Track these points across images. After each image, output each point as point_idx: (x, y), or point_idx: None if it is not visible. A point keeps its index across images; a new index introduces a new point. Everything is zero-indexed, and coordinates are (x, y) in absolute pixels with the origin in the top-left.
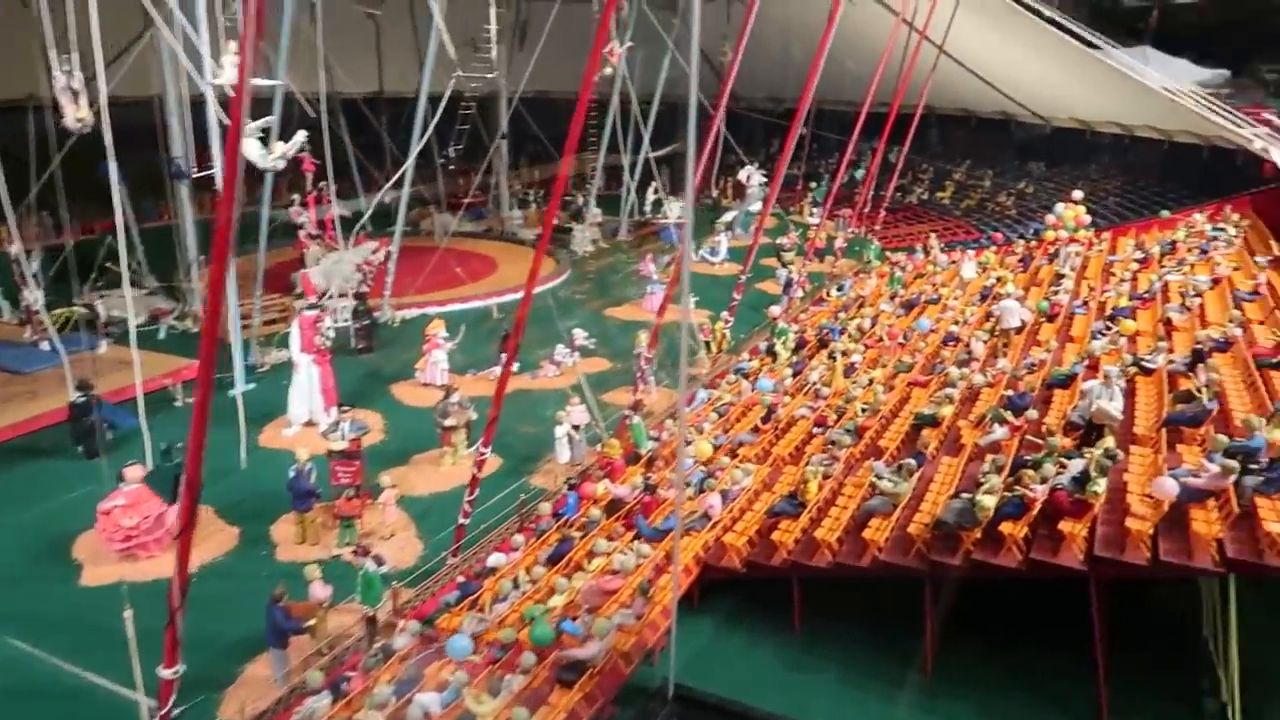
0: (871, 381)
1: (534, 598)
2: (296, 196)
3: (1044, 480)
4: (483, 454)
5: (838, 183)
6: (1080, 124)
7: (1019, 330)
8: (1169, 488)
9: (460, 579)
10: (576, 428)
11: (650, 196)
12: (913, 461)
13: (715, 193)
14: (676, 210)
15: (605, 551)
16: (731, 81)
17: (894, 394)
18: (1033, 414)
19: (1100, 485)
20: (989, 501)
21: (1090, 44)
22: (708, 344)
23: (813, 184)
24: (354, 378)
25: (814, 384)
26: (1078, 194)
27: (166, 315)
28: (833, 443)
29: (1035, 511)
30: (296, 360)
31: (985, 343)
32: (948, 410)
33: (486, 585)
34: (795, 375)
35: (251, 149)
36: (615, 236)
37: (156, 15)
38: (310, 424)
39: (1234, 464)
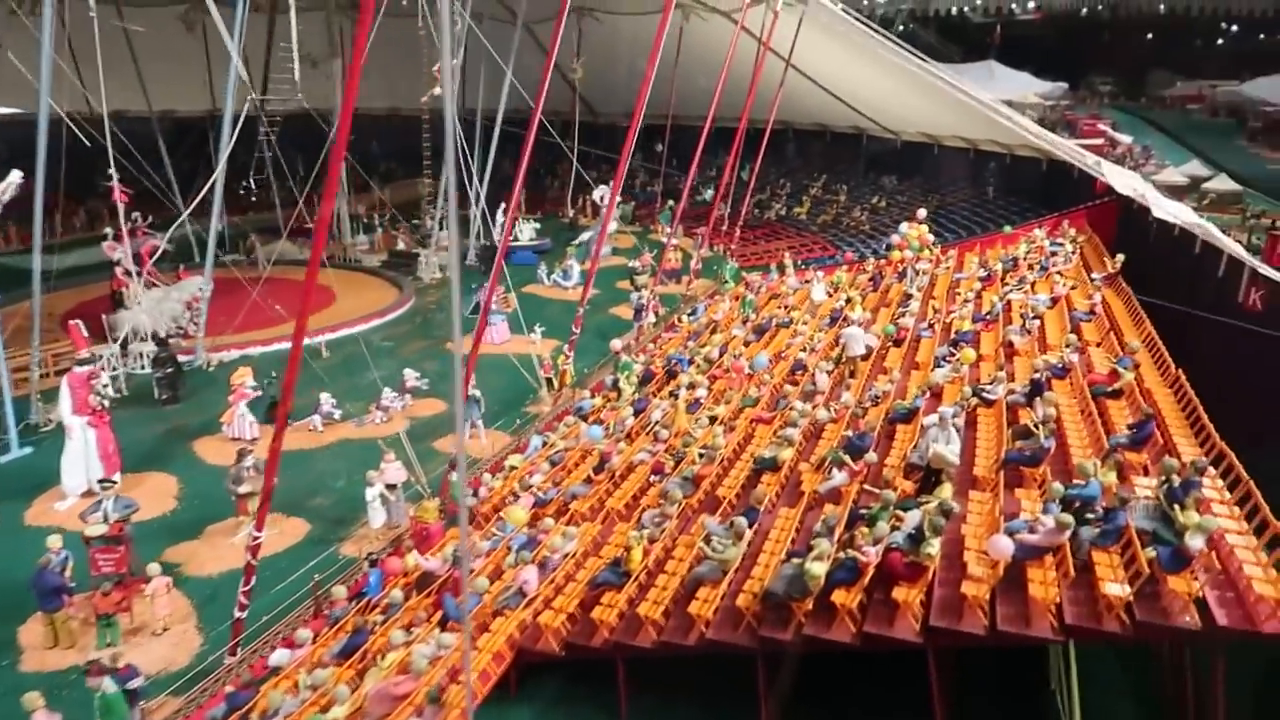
0: (714, 420)
1: (317, 704)
2: (109, 230)
3: (877, 540)
4: (256, 538)
5: (684, 200)
6: (929, 138)
7: (865, 357)
8: (1004, 548)
9: (229, 688)
10: (392, 487)
11: (500, 219)
12: (743, 520)
13: (573, 212)
14: (529, 232)
15: (403, 643)
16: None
17: (736, 433)
18: (872, 456)
19: (934, 546)
20: (819, 569)
21: (926, 60)
22: (549, 380)
23: (670, 202)
24: (152, 435)
25: (656, 424)
26: (922, 212)
27: None
28: (664, 496)
29: (869, 576)
30: (69, 424)
31: (830, 373)
32: (788, 453)
33: (263, 691)
34: (638, 414)
35: None
36: (464, 261)
37: None
38: (90, 493)
39: (1068, 519)
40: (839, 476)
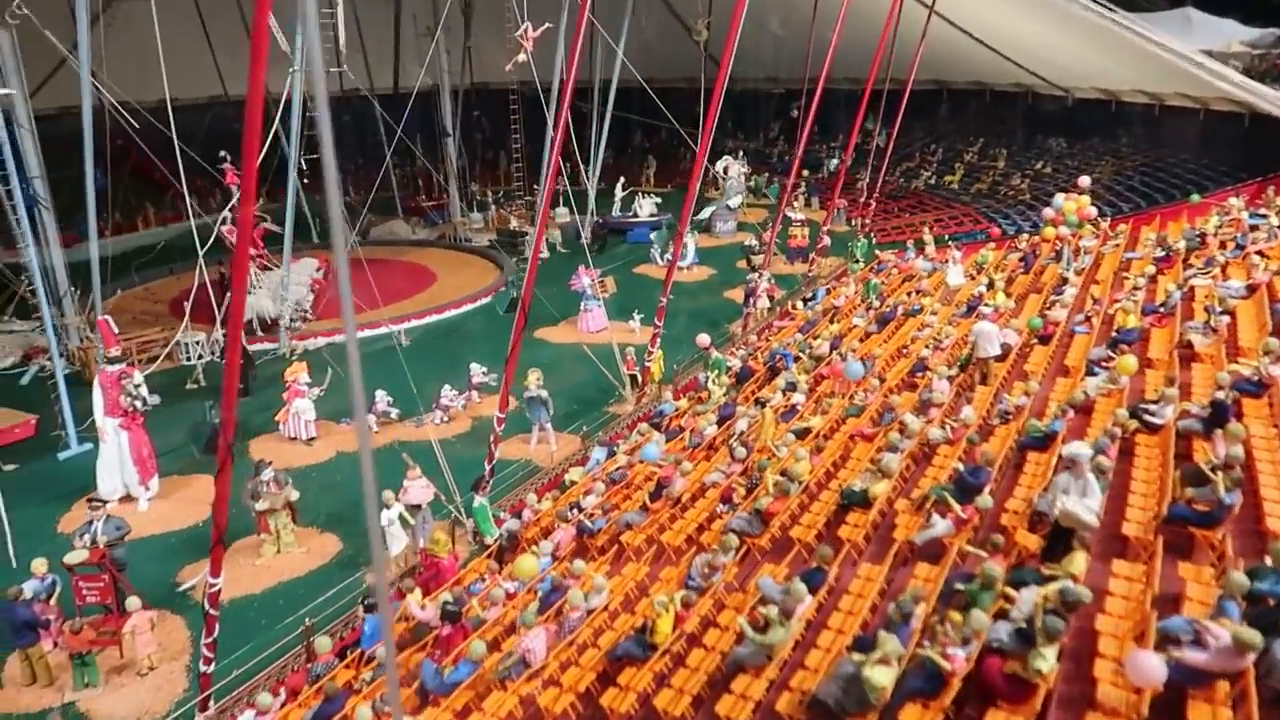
0: (805, 434)
1: None
2: (228, 213)
3: (971, 636)
4: (212, 584)
5: (796, 166)
6: (1105, 94)
7: (1001, 358)
8: (1152, 671)
9: None
10: (416, 508)
11: (619, 194)
12: (801, 587)
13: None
14: (649, 207)
15: None
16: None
17: (829, 452)
18: (987, 500)
19: (1048, 658)
20: (883, 677)
21: (1112, 8)
22: (633, 378)
23: (806, 171)
24: (214, 430)
25: (738, 436)
26: (1085, 180)
27: (40, 355)
28: (719, 544)
29: (954, 689)
30: (100, 426)
31: (952, 379)
32: (882, 486)
33: None
34: (722, 422)
35: None
36: (578, 239)
37: None
38: (128, 499)
39: (1253, 637)
40: (940, 525)
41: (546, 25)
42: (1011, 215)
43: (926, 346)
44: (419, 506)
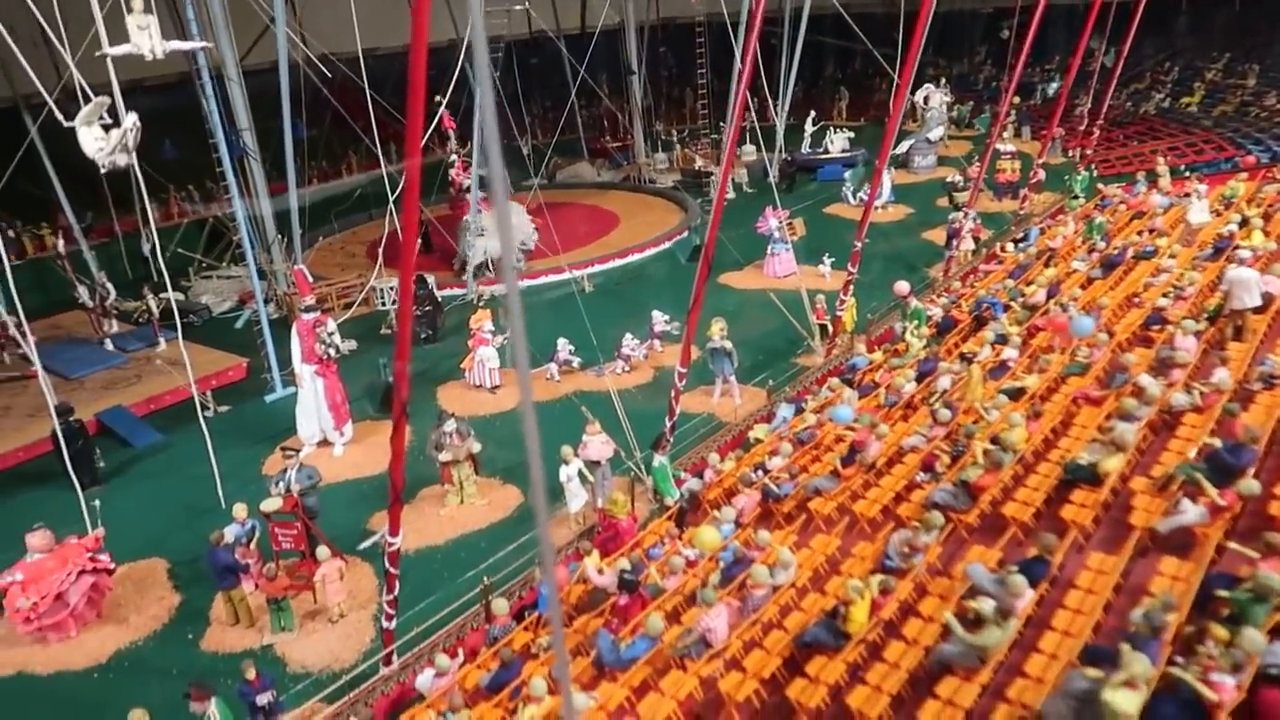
0: (1018, 395)
1: None
2: (455, 156)
3: (1244, 660)
4: (391, 544)
5: (1010, 91)
6: None
7: (1260, 310)
8: None
9: None
10: (596, 464)
11: (809, 129)
12: (1020, 581)
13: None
14: (841, 142)
15: (540, 696)
16: None
17: (1048, 417)
18: (1253, 485)
19: None
20: (1127, 704)
21: None
22: (823, 328)
23: (1016, 98)
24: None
25: (939, 396)
26: None
27: (252, 300)
28: (920, 521)
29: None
30: (298, 372)
31: (1200, 334)
32: (1115, 461)
33: None
34: (921, 379)
35: (86, 139)
36: (765, 178)
37: None
38: (325, 443)
39: None
40: (1192, 511)
41: None
42: (1265, 141)
43: (1164, 295)
44: (598, 463)
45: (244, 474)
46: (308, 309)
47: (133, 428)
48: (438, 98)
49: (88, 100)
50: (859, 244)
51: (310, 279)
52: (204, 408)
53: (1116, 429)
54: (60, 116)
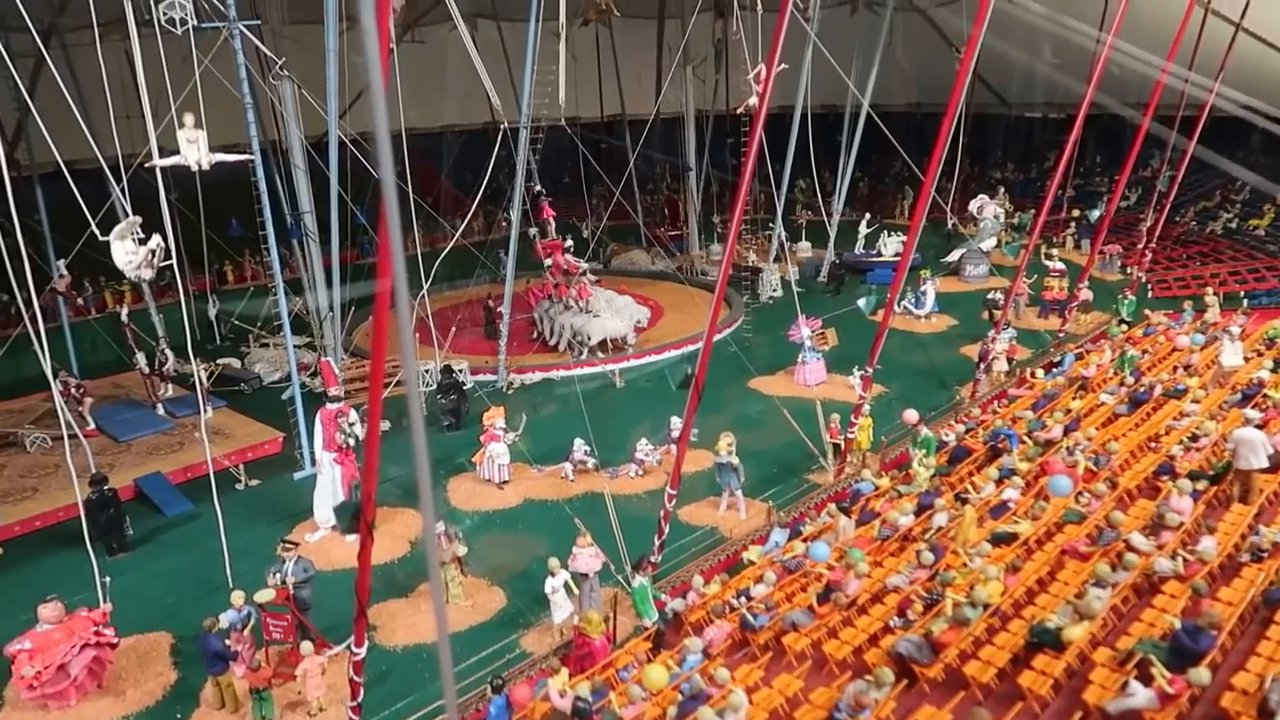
0: (1009, 541)
1: None
2: (534, 230)
3: None
4: (355, 654)
5: (1047, 203)
6: None
7: (1269, 472)
8: None
9: None
10: (584, 576)
11: (863, 230)
12: None
13: (952, 222)
14: (895, 246)
15: None
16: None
17: (1029, 571)
18: (1203, 675)
19: None
20: None
21: None
22: (835, 447)
23: (1077, 210)
24: (412, 467)
25: (932, 534)
26: None
27: (304, 371)
28: (873, 675)
29: None
30: (319, 458)
31: (1200, 493)
32: (1079, 630)
33: None
34: (920, 513)
35: (119, 252)
36: (817, 278)
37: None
38: (338, 528)
39: None
40: (1140, 695)
41: (783, 66)
42: None
43: (1179, 443)
44: (586, 575)
45: (259, 552)
46: (332, 399)
47: (166, 495)
48: (537, 187)
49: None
50: (869, 370)
51: (337, 371)
52: (235, 480)
53: (1087, 595)
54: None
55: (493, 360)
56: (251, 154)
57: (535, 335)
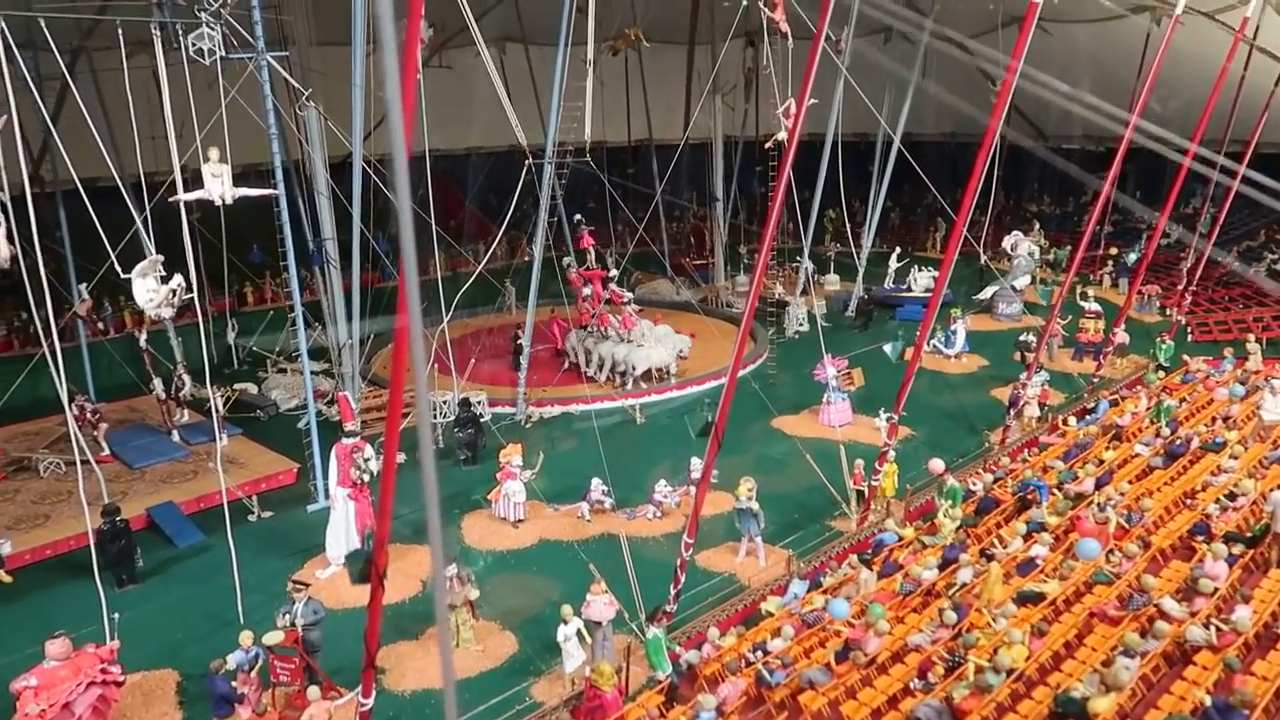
0: (1035, 600)
1: None
2: (570, 260)
3: None
4: (362, 704)
5: (1084, 241)
6: None
7: None
8: None
9: None
10: (597, 624)
11: (893, 264)
12: None
13: (985, 258)
14: (925, 281)
15: None
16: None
17: (1056, 634)
18: None
19: None
20: None
21: None
22: (859, 493)
23: (1115, 248)
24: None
25: (956, 590)
26: None
27: (321, 399)
28: None
29: None
30: (333, 493)
31: (1232, 560)
32: (1105, 703)
33: None
34: (945, 567)
35: (140, 289)
36: (845, 312)
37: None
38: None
39: None
40: None
41: (813, 101)
42: None
43: (1216, 501)
44: (599, 623)
45: (270, 587)
46: (348, 434)
47: (178, 526)
48: (578, 217)
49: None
50: (895, 416)
51: (354, 405)
52: (248, 512)
53: (1115, 664)
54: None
55: (513, 392)
56: (275, 190)
57: (565, 366)
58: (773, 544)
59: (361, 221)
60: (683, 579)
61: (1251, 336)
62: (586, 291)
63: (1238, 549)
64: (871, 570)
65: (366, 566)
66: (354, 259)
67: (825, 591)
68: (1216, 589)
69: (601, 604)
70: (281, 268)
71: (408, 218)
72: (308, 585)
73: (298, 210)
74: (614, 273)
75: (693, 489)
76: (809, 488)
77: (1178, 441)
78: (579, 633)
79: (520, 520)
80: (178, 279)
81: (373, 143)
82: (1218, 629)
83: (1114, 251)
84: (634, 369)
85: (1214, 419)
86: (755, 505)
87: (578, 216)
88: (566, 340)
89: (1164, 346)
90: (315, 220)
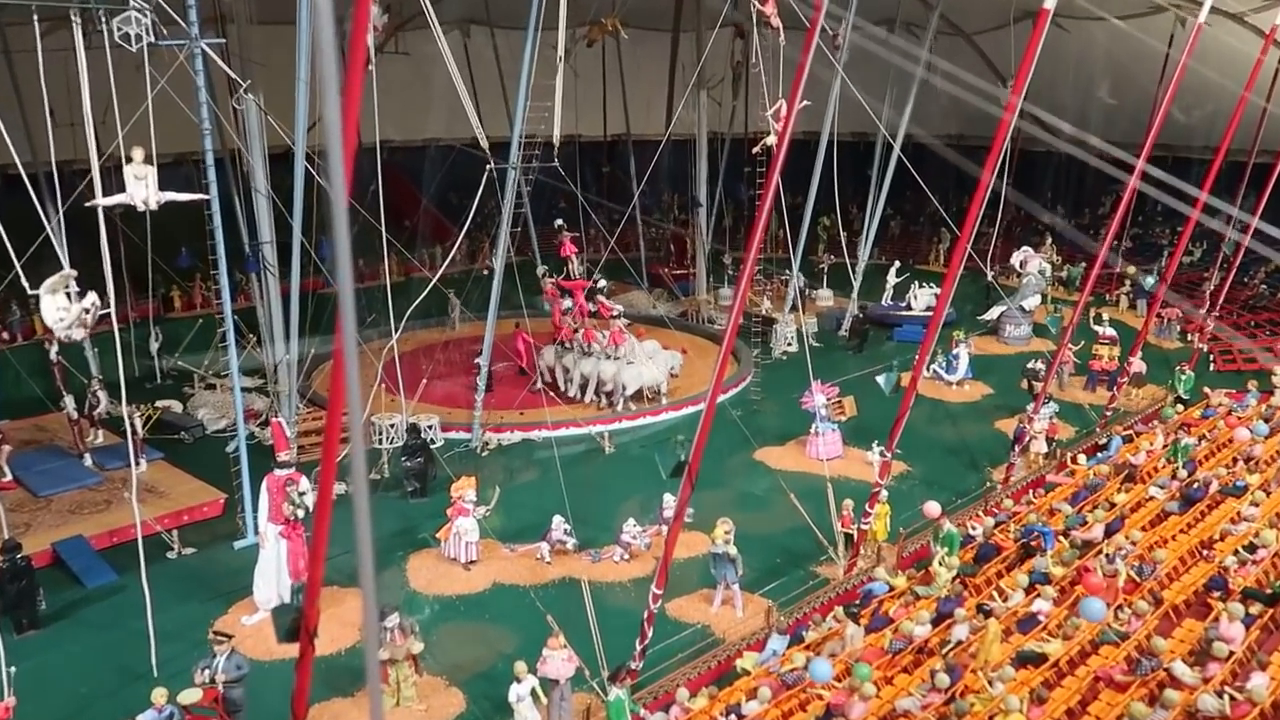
0: (1036, 661)
1: None
2: (545, 269)
3: None
4: None
5: (1099, 258)
6: None
7: None
8: None
9: None
10: (554, 683)
11: (892, 279)
12: None
13: (992, 273)
14: (926, 299)
15: None
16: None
17: (1059, 698)
18: None
19: None
20: None
21: None
22: (848, 536)
23: (1131, 268)
24: (379, 535)
25: (951, 648)
26: None
27: (253, 420)
28: None
29: None
30: (262, 530)
31: (1249, 621)
32: None
33: None
34: (938, 623)
35: (49, 307)
36: (838, 331)
37: None
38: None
39: None
40: None
41: (806, 103)
42: None
43: (1234, 553)
44: (557, 682)
45: (189, 635)
46: (281, 464)
47: (87, 563)
48: (559, 222)
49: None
50: (889, 454)
51: (289, 432)
52: (167, 547)
53: None
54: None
55: (469, 415)
56: (206, 195)
57: (536, 386)
58: (751, 592)
59: (304, 222)
60: (650, 632)
61: (1278, 369)
62: (567, 304)
63: (1256, 608)
64: (859, 624)
65: (296, 620)
66: (294, 264)
67: (807, 648)
68: (1232, 653)
69: (559, 660)
70: (212, 274)
71: (342, 211)
72: (230, 636)
73: (232, 209)
74: (602, 283)
75: (664, 528)
76: (793, 529)
77: (1195, 485)
78: (534, 692)
79: (472, 561)
80: (91, 297)
81: (318, 135)
82: (1231, 698)
83: (1130, 270)
84: (625, 389)
85: (1235, 459)
86: (733, 549)
87: (559, 222)
88: (539, 358)
89: (1184, 377)
90: (252, 221)
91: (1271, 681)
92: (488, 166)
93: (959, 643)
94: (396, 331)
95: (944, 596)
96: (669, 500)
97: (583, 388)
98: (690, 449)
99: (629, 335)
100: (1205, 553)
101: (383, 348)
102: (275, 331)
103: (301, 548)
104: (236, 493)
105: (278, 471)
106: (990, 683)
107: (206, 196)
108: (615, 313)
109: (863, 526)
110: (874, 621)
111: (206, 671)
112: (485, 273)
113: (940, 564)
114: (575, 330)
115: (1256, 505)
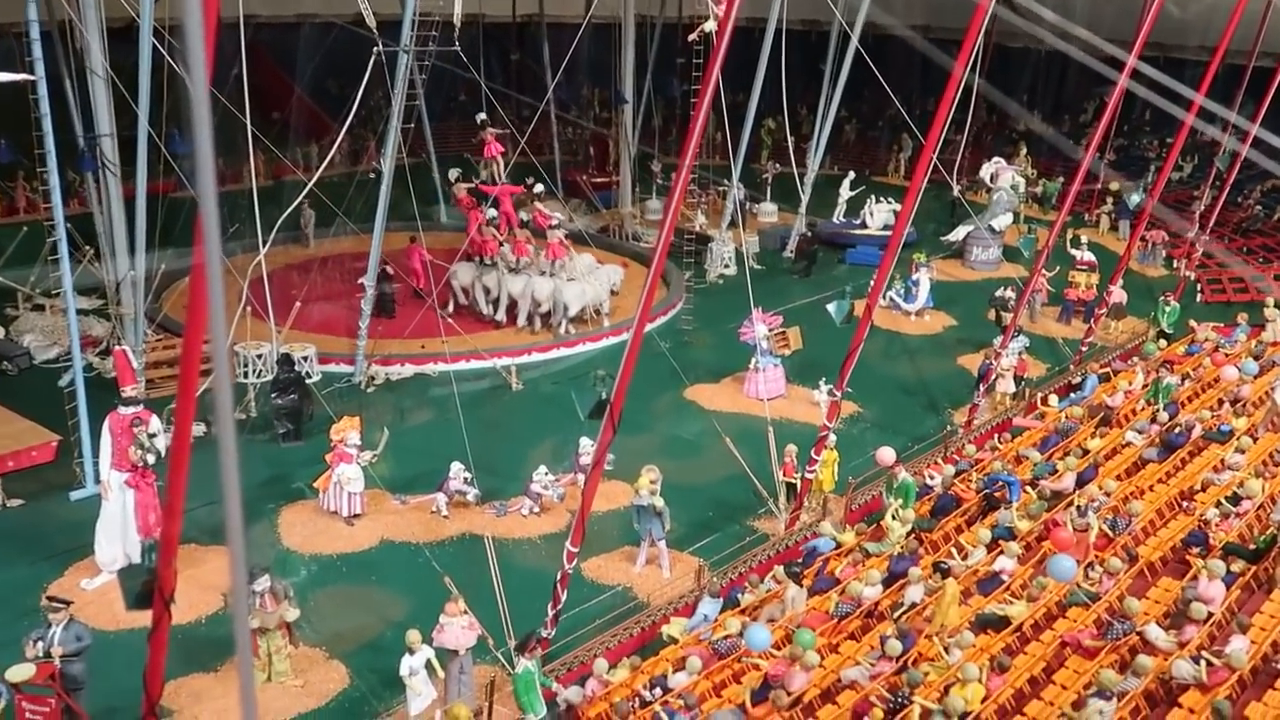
0: (999, 625)
1: None
2: (456, 172)
3: None
4: None
5: (1080, 172)
6: None
7: None
8: None
9: None
10: (453, 654)
11: (845, 192)
12: None
13: (959, 187)
14: (884, 216)
15: None
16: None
17: (1022, 668)
18: None
19: None
20: None
21: None
22: (790, 486)
23: (1115, 185)
24: (245, 487)
25: (904, 612)
26: None
27: (92, 348)
28: None
29: None
30: (104, 479)
31: (1230, 580)
32: None
33: None
34: (890, 583)
35: None
36: (783, 252)
37: None
38: (133, 567)
39: None
40: None
41: None
42: None
43: (1216, 504)
44: (456, 653)
45: (18, 601)
46: (126, 401)
47: None
48: (482, 116)
49: None
50: (839, 394)
51: (135, 362)
52: None
53: (1088, 708)
54: None
55: (351, 344)
56: (31, 75)
57: (451, 308)
58: (680, 550)
59: (151, 111)
60: (564, 596)
61: (1271, 300)
62: (492, 213)
63: (1237, 565)
64: (801, 586)
65: (148, 584)
66: (139, 161)
67: (743, 612)
68: (1211, 614)
69: (458, 628)
70: (39, 171)
71: (203, 97)
72: (69, 603)
73: (63, 93)
74: (539, 188)
75: (580, 477)
76: (728, 478)
77: (1177, 429)
78: (429, 664)
79: (357, 515)
80: None
81: (169, 5)
82: (1209, 663)
83: (1114, 187)
84: (566, 309)
85: (1221, 401)
86: (659, 501)
87: (481, 116)
88: (453, 276)
89: (1168, 309)
90: (87, 108)
91: (1252, 645)
92: (375, 49)
93: (913, 605)
94: (265, 245)
95: (897, 554)
96: (586, 445)
97: (510, 310)
98: (612, 386)
99: (569, 248)
100: (1185, 505)
101: (248, 264)
102: (117, 242)
103: (153, 499)
104: (72, 434)
105: (122, 409)
106: (947, 649)
107: (31, 77)
108: (554, 222)
109: (807, 475)
110: (818, 582)
111: (40, 644)
112: (372, 176)
113: (893, 517)
114: (500, 243)
115: (1242, 452)
